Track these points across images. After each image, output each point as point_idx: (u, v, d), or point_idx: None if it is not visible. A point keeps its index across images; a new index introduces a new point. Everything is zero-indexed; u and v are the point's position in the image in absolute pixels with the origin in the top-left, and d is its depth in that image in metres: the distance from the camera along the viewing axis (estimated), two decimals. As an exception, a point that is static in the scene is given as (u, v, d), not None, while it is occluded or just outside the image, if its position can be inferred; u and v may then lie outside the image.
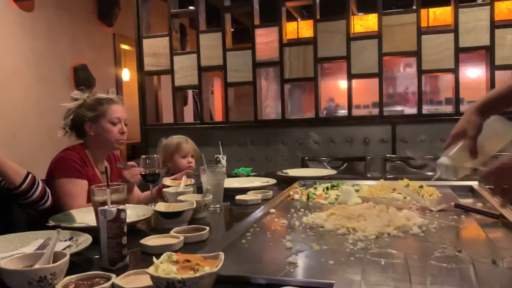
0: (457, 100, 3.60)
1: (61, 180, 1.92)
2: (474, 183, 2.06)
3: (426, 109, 4.61)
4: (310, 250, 1.21)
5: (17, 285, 0.91)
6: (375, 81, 3.72)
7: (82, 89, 2.14)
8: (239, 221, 1.53)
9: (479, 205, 1.68)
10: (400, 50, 3.68)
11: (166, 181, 1.97)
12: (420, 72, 3.62)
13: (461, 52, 3.52)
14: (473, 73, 6.51)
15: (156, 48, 4.23)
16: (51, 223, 1.42)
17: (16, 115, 4.31)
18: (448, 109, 5.53)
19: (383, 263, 0.80)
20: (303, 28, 6.05)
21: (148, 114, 4.34)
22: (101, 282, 0.94)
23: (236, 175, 2.71)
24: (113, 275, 0.96)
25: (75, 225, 1.43)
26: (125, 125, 2.12)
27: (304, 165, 3.39)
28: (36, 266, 0.95)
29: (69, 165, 1.94)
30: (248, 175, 2.70)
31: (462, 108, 3.67)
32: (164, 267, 0.88)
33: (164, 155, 2.62)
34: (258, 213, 1.64)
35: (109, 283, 0.93)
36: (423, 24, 3.73)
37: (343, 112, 7.34)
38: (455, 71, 3.55)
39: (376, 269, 0.81)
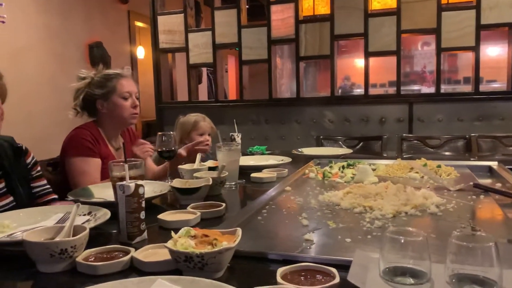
0: (476, 79, 3.52)
1: (73, 159, 1.93)
2: (493, 163, 2.03)
3: (443, 88, 4.53)
4: (326, 227, 1.21)
5: (39, 256, 0.93)
6: (392, 59, 3.66)
7: (96, 67, 2.14)
8: (254, 198, 1.53)
9: (498, 185, 1.65)
10: (419, 27, 3.59)
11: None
12: (440, 50, 3.54)
13: (482, 29, 3.42)
14: (494, 51, 6.34)
15: (171, 25, 4.20)
16: (70, 198, 1.44)
17: (30, 92, 4.35)
18: (467, 88, 5.42)
19: (402, 241, 0.80)
20: (320, 5, 5.92)
21: (163, 92, 4.34)
22: (120, 255, 0.96)
23: (251, 153, 2.71)
24: (132, 249, 0.97)
25: (94, 200, 1.44)
26: (137, 98, 2.10)
27: (319, 144, 3.37)
28: (57, 239, 0.97)
29: (81, 144, 1.94)
30: (263, 154, 2.69)
31: (482, 87, 3.58)
32: (182, 241, 0.89)
33: (182, 133, 2.63)
34: (273, 191, 1.64)
35: (128, 256, 0.94)
36: (444, 0, 3.61)
37: (359, 91, 7.25)
38: (475, 49, 3.46)
39: (395, 247, 0.80)
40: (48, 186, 1.70)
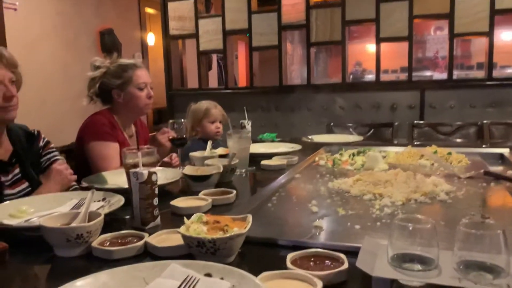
0: (490, 65, 3.47)
1: (92, 144, 1.96)
2: (505, 151, 2.02)
3: (456, 74, 4.48)
4: (336, 214, 1.22)
5: (56, 241, 0.96)
6: (404, 45, 3.62)
7: (105, 55, 2.15)
8: (264, 185, 1.55)
9: (509, 173, 1.64)
10: (432, 12, 3.54)
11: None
12: (452, 35, 3.49)
13: (497, 14, 3.36)
14: (508, 36, 6.23)
15: (181, 11, 4.19)
16: (84, 184, 1.47)
17: (44, 80, 4.38)
18: (480, 74, 5.34)
19: (411, 228, 0.81)
20: (331, -10, 5.86)
21: (174, 79, 4.36)
22: (134, 240, 0.98)
23: (261, 141, 2.72)
24: (146, 234, 1.00)
25: (107, 186, 1.47)
26: (151, 88, 2.13)
27: (329, 130, 3.36)
28: (74, 224, 1.00)
29: (99, 129, 1.97)
30: (273, 141, 2.70)
31: (495, 73, 3.53)
32: (195, 227, 0.91)
33: (193, 120, 2.65)
34: (283, 178, 1.65)
35: (142, 241, 0.96)
36: (457, -16, 3.55)
37: (370, 77, 7.18)
38: (489, 34, 3.40)
39: (404, 234, 0.81)
40: (54, 154, 1.70)
